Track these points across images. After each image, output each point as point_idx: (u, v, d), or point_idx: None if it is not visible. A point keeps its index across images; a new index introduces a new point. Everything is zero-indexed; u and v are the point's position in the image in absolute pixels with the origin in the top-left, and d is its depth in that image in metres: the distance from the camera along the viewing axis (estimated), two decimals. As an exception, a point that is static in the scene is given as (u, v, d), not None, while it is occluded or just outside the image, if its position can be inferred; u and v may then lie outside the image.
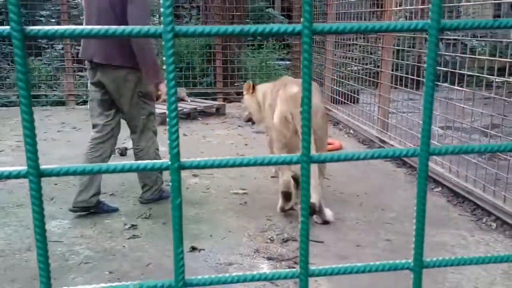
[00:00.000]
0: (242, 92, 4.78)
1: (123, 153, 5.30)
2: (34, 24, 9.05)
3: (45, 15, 9.56)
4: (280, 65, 10.02)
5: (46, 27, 0.50)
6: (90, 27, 0.50)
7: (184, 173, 4.73)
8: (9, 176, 0.53)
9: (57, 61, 8.99)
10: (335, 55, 7.49)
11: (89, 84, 3.78)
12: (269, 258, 3.04)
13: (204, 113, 7.60)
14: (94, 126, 3.72)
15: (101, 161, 3.63)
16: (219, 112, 7.77)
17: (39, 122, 6.97)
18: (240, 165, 0.56)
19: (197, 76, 9.10)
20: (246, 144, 5.92)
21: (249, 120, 4.72)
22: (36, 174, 0.51)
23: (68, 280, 2.76)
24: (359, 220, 3.63)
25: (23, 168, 0.52)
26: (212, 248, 3.17)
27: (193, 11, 10.50)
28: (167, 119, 0.53)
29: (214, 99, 8.62)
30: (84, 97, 8.39)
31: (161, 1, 0.48)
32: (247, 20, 9.73)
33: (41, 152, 4.94)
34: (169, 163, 0.54)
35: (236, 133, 6.52)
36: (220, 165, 0.55)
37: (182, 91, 7.82)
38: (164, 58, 0.50)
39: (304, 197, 0.57)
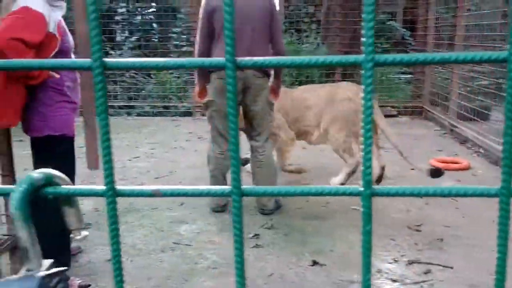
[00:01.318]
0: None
1: (244, 164, 5.51)
2: (166, 40, 9.81)
3: (177, 31, 10.29)
4: (400, 79, 9.74)
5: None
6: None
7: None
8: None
9: (186, 74, 9.61)
10: (463, 68, 7.10)
11: (215, 96, 3.76)
12: (393, 280, 2.97)
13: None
14: (223, 138, 3.88)
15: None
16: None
17: (170, 131, 7.51)
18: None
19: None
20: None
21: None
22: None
23: (198, 282, 2.93)
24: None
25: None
26: (334, 263, 3.17)
27: (313, 25, 10.61)
28: (363, 141, 0.52)
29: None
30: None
31: (363, 32, 0.50)
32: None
33: (171, 159, 5.29)
34: (361, 189, 0.57)
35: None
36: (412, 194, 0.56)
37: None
38: (363, 87, 0.51)
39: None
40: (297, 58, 0.52)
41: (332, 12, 9.32)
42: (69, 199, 0.70)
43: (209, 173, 4.02)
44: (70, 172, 2.77)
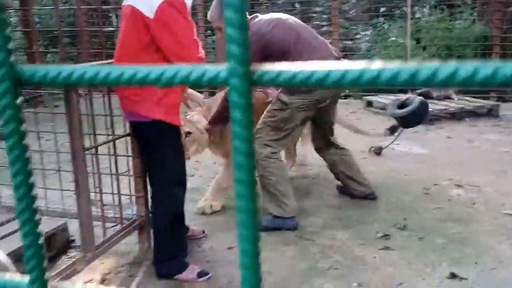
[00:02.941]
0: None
1: (378, 152, 5.11)
2: (307, 20, 9.58)
3: (318, 11, 10.00)
4: None
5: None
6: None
7: (445, 182, 4.28)
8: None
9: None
10: None
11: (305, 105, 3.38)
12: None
13: (472, 114, 6.80)
14: (283, 146, 3.65)
15: None
16: (491, 113, 6.84)
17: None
18: None
19: (468, 72, 8.24)
20: (526, 154, 5.03)
21: None
22: None
23: (316, 285, 2.72)
24: None
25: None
26: (477, 279, 2.72)
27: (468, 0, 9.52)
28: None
29: (486, 98, 7.65)
30: (347, 91, 8.50)
31: None
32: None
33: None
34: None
35: (512, 140, 5.62)
36: None
37: (449, 88, 7.16)
38: None
39: None
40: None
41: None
42: None
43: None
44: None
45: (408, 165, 4.74)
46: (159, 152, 2.63)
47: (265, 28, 3.27)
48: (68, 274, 2.49)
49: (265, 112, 3.45)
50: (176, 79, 0.33)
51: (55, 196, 3.25)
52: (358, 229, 3.39)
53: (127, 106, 2.64)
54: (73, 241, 3.26)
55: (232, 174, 3.69)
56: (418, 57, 8.26)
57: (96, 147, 2.77)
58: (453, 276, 2.74)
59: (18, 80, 0.30)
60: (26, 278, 0.34)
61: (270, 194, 3.36)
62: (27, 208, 0.33)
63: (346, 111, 7.30)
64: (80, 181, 2.47)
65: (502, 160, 4.84)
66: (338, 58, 3.47)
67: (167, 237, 2.74)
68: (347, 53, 9.15)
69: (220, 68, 0.31)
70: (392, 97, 7.14)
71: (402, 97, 4.56)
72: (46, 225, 3.04)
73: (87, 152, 2.63)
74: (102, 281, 2.75)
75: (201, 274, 2.81)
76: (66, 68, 0.32)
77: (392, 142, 4.93)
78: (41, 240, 0.33)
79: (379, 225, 3.42)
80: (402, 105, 4.50)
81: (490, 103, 7.14)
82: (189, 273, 2.80)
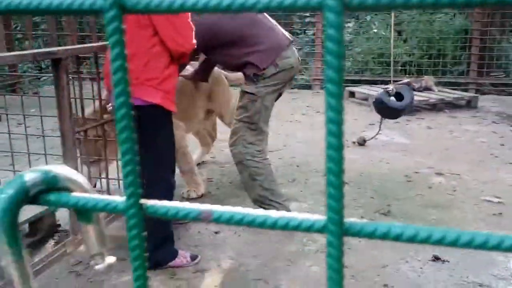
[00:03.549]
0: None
1: (362, 143, 5.19)
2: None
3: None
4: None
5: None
6: None
7: (426, 170, 4.38)
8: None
9: (308, 46, 9.37)
10: None
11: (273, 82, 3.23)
12: (530, 288, 2.55)
13: (452, 105, 6.95)
14: (265, 134, 3.41)
15: None
16: (470, 105, 7.00)
17: (287, 104, 7.37)
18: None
19: (448, 64, 8.39)
20: (502, 144, 5.18)
21: None
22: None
23: (304, 267, 2.78)
24: None
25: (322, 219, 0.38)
26: (459, 261, 2.81)
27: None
28: None
29: (465, 90, 7.81)
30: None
31: None
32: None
33: (286, 133, 5.14)
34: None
35: (489, 130, 5.77)
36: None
37: (430, 80, 7.29)
38: None
39: None
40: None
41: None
42: (87, 212, 0.53)
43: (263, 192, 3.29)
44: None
45: (391, 154, 4.84)
46: (152, 136, 2.62)
47: (212, 18, 3.14)
48: (58, 256, 2.50)
49: (236, 111, 3.34)
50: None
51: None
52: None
53: None
54: (59, 225, 3.25)
55: (188, 157, 3.70)
56: (399, 49, 8.37)
57: (85, 130, 2.76)
58: (436, 258, 2.83)
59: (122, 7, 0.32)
60: (122, 201, 0.38)
61: (259, 195, 3.27)
62: (129, 151, 0.36)
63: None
64: (70, 164, 2.46)
65: (480, 150, 4.98)
66: (291, 42, 3.37)
67: (158, 224, 2.71)
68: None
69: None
70: (374, 87, 7.25)
71: (390, 87, 4.61)
72: (33, 210, 3.03)
73: (76, 135, 2.63)
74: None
75: (192, 258, 2.85)
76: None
77: (376, 133, 5.01)
78: (137, 169, 0.36)
79: (364, 211, 3.50)
80: (390, 95, 4.55)
81: (468, 95, 7.30)
82: (182, 259, 2.82)
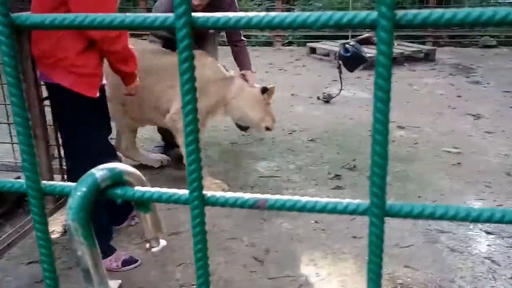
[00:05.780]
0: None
1: (327, 100, 5.25)
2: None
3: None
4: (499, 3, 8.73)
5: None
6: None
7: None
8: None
9: (268, 1, 9.24)
10: None
11: None
12: (488, 233, 2.72)
13: (411, 59, 7.09)
14: None
15: None
16: (428, 58, 7.16)
17: (249, 62, 7.32)
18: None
19: (406, 17, 8.48)
20: (459, 96, 5.36)
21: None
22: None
23: (276, 223, 2.87)
24: None
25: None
26: (421, 211, 2.96)
27: None
28: None
29: (423, 43, 7.96)
30: (290, 37, 8.54)
31: None
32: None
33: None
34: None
35: (447, 82, 5.95)
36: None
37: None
38: None
39: None
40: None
41: None
42: (145, 203, 0.60)
43: None
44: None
45: (353, 109, 4.94)
46: (70, 121, 2.35)
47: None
48: (30, 227, 2.48)
49: None
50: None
51: (6, 150, 3.16)
52: (310, 170, 3.55)
53: (41, 66, 2.32)
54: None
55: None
56: (359, 3, 8.38)
57: (42, 100, 2.65)
58: (400, 209, 2.97)
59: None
60: (185, 193, 0.43)
61: None
62: (193, 140, 0.38)
63: (291, 58, 7.39)
64: (37, 132, 2.41)
65: (439, 102, 5.15)
66: None
67: (96, 214, 2.36)
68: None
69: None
70: (333, 43, 7.29)
71: (349, 42, 4.70)
72: (-2, 180, 2.96)
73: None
74: (64, 232, 2.76)
75: (126, 262, 2.47)
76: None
77: (340, 90, 5.08)
78: (202, 161, 0.39)
79: (330, 167, 3.60)
80: (347, 49, 4.68)
81: (426, 47, 7.44)
82: (112, 261, 2.45)
